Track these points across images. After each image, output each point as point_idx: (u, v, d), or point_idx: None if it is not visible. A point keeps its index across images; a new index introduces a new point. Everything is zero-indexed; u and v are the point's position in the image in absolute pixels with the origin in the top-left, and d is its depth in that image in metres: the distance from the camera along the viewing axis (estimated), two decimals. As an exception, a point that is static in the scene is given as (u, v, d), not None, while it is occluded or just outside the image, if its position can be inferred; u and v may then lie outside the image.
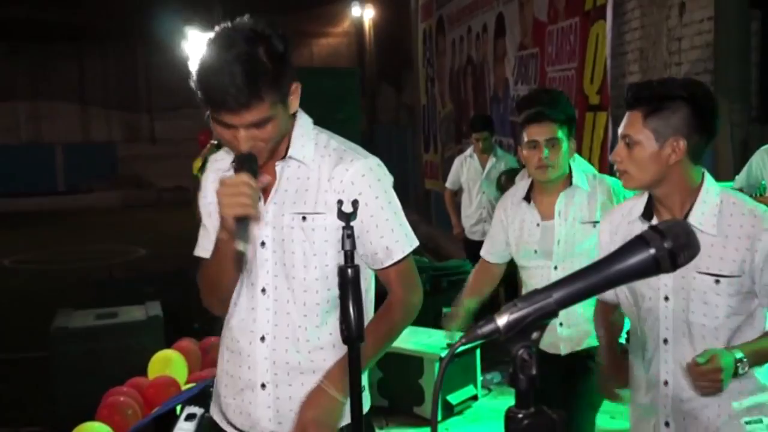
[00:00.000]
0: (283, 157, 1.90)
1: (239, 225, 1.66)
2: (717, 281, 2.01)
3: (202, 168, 4.93)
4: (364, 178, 1.86)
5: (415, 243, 1.94)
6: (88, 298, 6.31)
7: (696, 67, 6.84)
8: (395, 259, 1.89)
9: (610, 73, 7.83)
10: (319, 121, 4.53)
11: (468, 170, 6.86)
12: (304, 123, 1.95)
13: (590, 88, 8.17)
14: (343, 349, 1.66)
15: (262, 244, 1.89)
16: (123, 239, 13.12)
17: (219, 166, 2.01)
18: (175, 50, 13.35)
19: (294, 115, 1.92)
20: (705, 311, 2.03)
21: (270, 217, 1.89)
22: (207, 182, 2.02)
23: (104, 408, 4.27)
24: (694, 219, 2.03)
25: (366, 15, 19.06)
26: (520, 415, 0.96)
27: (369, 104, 18.38)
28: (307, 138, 1.93)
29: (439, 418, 4.45)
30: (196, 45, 12.27)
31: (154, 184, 19.96)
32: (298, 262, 1.87)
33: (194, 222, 5.55)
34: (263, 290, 1.89)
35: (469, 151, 7.00)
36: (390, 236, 1.89)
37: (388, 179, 1.92)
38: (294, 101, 1.87)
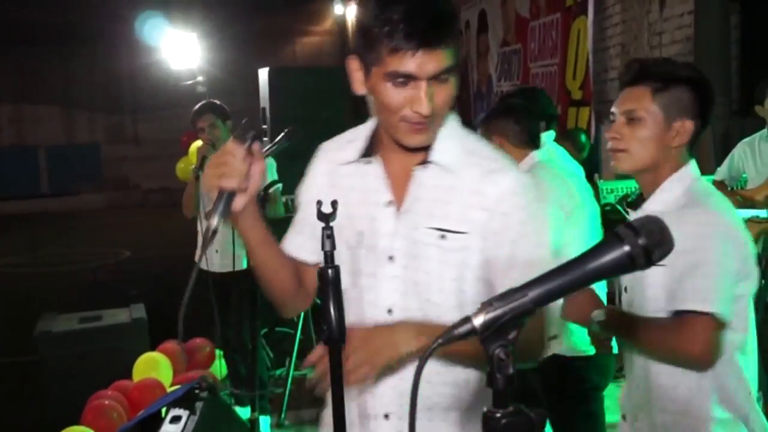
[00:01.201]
0: (423, 162, 1.60)
1: (220, 198, 1.49)
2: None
3: (201, 167, 4.89)
4: (516, 198, 1.56)
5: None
6: (72, 301, 6.27)
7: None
8: None
9: (592, 68, 7.86)
10: (303, 120, 4.51)
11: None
12: (452, 121, 1.64)
13: (573, 83, 8.20)
14: (481, 388, 1.50)
15: (390, 258, 1.62)
16: (107, 241, 13.04)
17: (333, 156, 1.73)
18: (158, 52, 13.28)
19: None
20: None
21: (402, 228, 1.61)
22: (315, 174, 1.76)
23: (89, 412, 4.25)
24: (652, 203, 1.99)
25: (349, 13, 19.03)
26: (498, 415, 0.96)
27: (352, 103, 18.36)
28: (455, 139, 1.62)
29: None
30: (177, 46, 12.23)
31: (138, 186, 19.89)
32: (434, 283, 1.59)
33: (181, 223, 5.47)
34: (389, 311, 1.62)
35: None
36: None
37: (538, 199, 1.63)
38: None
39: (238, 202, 1.53)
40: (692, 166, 2.03)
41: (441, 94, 1.50)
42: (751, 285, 1.97)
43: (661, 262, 1.89)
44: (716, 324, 1.84)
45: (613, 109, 2.07)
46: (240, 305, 4.57)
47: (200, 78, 11.75)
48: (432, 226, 1.58)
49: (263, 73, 6.26)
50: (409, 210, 1.61)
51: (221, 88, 12.07)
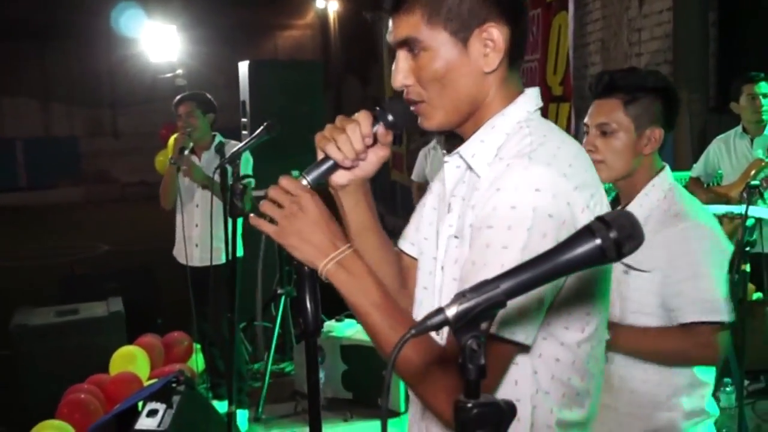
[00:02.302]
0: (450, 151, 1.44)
1: (320, 163, 1.41)
2: (626, 272, 2.05)
3: (182, 155, 4.86)
4: (496, 212, 1.26)
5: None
6: (49, 295, 6.23)
7: (656, 58, 6.92)
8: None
9: (572, 63, 7.89)
10: (283, 114, 4.50)
11: (432, 162, 6.87)
12: (513, 112, 1.37)
13: (553, 79, 8.23)
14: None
15: (442, 268, 1.42)
16: (85, 235, 12.97)
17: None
18: (137, 44, 13.19)
19: (502, 92, 1.39)
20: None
21: (433, 227, 1.48)
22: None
23: (65, 405, 4.23)
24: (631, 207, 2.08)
25: (330, 7, 19.00)
26: (470, 405, 0.96)
27: (335, 97, 18.33)
28: (499, 134, 1.36)
29: (402, 409, 4.47)
30: (157, 39, 12.18)
31: (117, 180, 19.77)
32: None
33: (160, 216, 5.44)
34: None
35: (432, 143, 7.00)
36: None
37: (533, 211, 1.24)
38: (493, 56, 1.35)
39: (341, 177, 1.46)
40: (667, 172, 2.16)
41: (420, 68, 1.36)
42: None
43: (646, 269, 1.99)
44: (723, 329, 2.03)
45: (586, 121, 2.17)
46: (218, 299, 4.56)
47: (179, 71, 11.70)
48: (450, 234, 1.40)
49: (243, 67, 6.23)
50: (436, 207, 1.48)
51: (201, 82, 12.01)
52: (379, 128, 1.41)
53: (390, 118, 1.42)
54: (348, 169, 1.44)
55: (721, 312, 2.00)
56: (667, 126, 2.11)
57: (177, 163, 4.70)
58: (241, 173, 4.05)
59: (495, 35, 1.34)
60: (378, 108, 1.43)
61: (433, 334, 1.17)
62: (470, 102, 1.38)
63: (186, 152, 4.74)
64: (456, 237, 1.37)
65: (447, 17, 1.34)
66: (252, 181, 4.61)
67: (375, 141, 1.43)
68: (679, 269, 1.99)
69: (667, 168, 2.16)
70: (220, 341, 4.81)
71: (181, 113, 4.77)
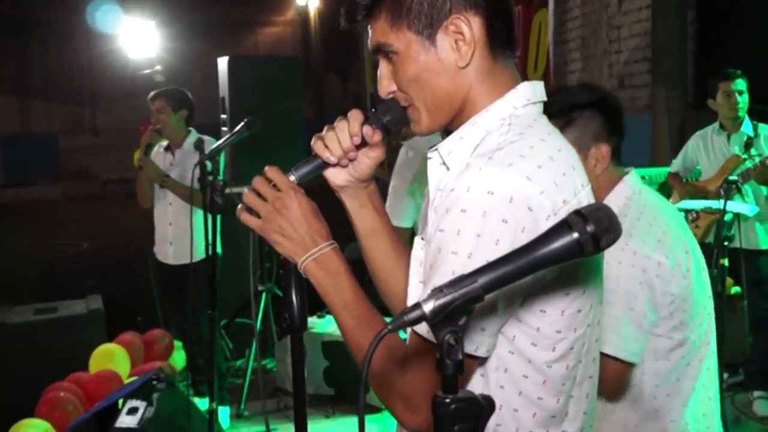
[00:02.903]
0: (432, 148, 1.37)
1: (309, 161, 1.42)
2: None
3: (148, 152, 4.84)
4: (448, 215, 1.20)
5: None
6: (28, 293, 6.18)
7: (635, 55, 6.96)
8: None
9: (552, 60, 7.93)
10: (263, 110, 4.48)
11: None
12: (497, 108, 1.31)
13: (534, 75, 8.26)
14: None
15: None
16: (65, 233, 12.86)
17: None
18: (116, 40, 13.09)
19: (486, 89, 1.32)
20: None
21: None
22: None
23: (44, 404, 4.19)
24: None
25: (311, 4, 18.95)
26: (447, 400, 0.97)
27: (315, 93, 18.29)
28: (479, 131, 1.30)
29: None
30: (135, 35, 12.10)
31: (97, 177, 19.60)
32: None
33: (140, 214, 5.42)
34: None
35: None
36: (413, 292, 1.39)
37: (483, 216, 1.17)
38: (465, 50, 1.29)
39: (336, 178, 1.46)
40: (627, 181, 2.05)
41: (396, 72, 1.34)
42: (681, 321, 1.98)
43: None
44: (624, 367, 1.91)
45: None
46: (196, 296, 4.55)
47: (158, 67, 11.62)
48: (422, 234, 1.39)
49: (222, 62, 6.20)
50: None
51: (180, 78, 11.95)
52: (366, 128, 1.39)
53: (384, 120, 1.41)
54: (336, 167, 1.43)
55: (621, 350, 1.88)
56: (613, 135, 2.02)
57: (140, 163, 4.69)
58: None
59: (463, 27, 1.28)
60: (374, 109, 1.42)
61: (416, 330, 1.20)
62: (450, 100, 1.32)
63: (154, 149, 4.73)
64: (422, 238, 1.34)
65: (409, 17, 1.30)
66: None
67: (364, 142, 1.41)
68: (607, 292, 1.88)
69: (629, 176, 2.05)
70: (199, 339, 4.79)
71: (153, 109, 4.75)
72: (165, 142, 4.88)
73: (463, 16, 1.29)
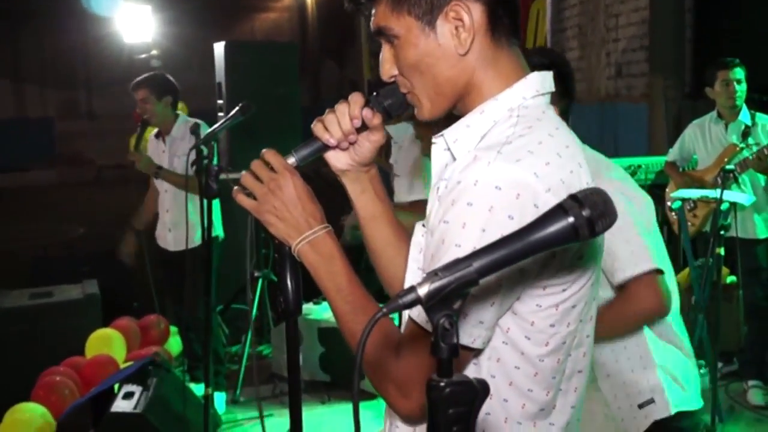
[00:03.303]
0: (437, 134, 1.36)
1: (308, 143, 1.43)
2: None
3: (137, 146, 4.86)
4: (453, 207, 1.18)
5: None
6: (22, 278, 6.17)
7: (632, 43, 6.95)
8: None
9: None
10: (258, 97, 4.49)
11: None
12: (506, 97, 1.29)
13: (531, 63, 8.25)
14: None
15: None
16: (60, 218, 12.83)
17: None
18: (112, 24, 13.02)
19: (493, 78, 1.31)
20: None
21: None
22: None
23: (40, 388, 4.20)
24: None
25: (309, -11, 18.85)
26: (442, 384, 0.96)
27: (312, 80, 18.23)
28: (487, 120, 1.28)
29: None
30: (131, 19, 12.02)
31: (93, 162, 19.54)
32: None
33: (136, 199, 5.39)
34: None
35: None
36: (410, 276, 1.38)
37: (489, 211, 1.16)
38: (465, 37, 1.28)
39: (338, 161, 1.46)
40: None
41: (397, 56, 1.33)
42: None
43: None
44: (658, 276, 2.06)
45: None
46: (194, 282, 4.55)
47: (155, 52, 11.55)
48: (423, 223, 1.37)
49: (219, 47, 6.18)
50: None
51: (177, 63, 11.88)
52: (366, 111, 1.39)
53: (386, 103, 1.40)
54: (337, 150, 1.43)
55: (647, 260, 2.04)
56: (563, 98, 2.13)
57: (131, 157, 4.71)
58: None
59: (462, 14, 1.27)
60: (375, 93, 1.42)
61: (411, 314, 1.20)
62: (452, 86, 1.31)
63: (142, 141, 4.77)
64: (423, 225, 1.33)
65: (410, 2, 1.29)
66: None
67: (365, 125, 1.41)
68: None
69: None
70: (195, 324, 4.80)
71: (137, 99, 4.73)
72: (155, 130, 4.87)
73: (463, 2, 1.28)
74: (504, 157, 1.18)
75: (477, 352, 1.25)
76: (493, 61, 1.31)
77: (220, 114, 6.04)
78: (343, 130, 1.40)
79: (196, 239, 4.36)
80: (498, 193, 1.15)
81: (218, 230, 4.75)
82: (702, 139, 4.82)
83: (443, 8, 1.28)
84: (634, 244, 2.03)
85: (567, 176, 1.21)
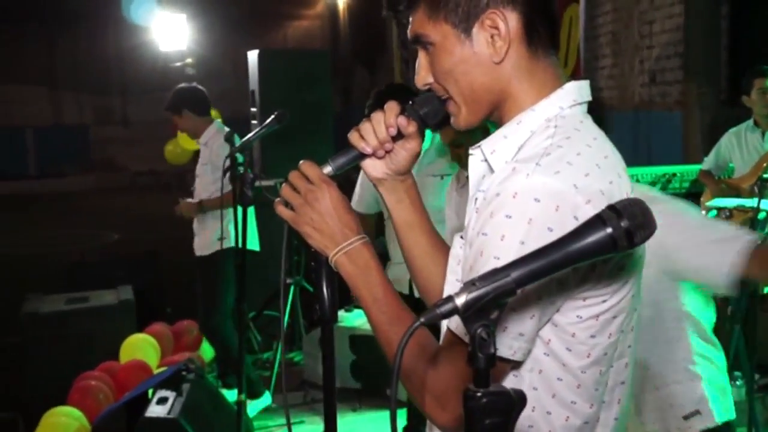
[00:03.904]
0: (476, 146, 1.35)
1: (345, 152, 1.44)
2: None
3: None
4: (492, 219, 1.18)
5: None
6: (59, 282, 6.25)
7: (666, 50, 6.89)
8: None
9: (583, 55, 7.87)
10: (290, 104, 4.52)
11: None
12: (543, 108, 1.28)
13: (564, 71, 8.18)
14: None
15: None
16: (95, 223, 13.00)
17: None
18: (147, 32, 13.19)
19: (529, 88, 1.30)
20: None
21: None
22: None
23: (75, 392, 4.25)
24: None
25: (340, -3, 18.95)
26: (479, 394, 0.97)
27: (343, 86, 18.31)
28: (524, 131, 1.28)
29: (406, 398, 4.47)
30: (166, 27, 12.18)
31: (127, 168, 19.79)
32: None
33: (170, 205, 5.49)
34: None
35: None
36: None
37: (528, 223, 1.15)
38: (500, 45, 1.28)
39: (374, 170, 1.46)
40: None
41: (432, 63, 1.34)
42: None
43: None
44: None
45: None
46: (215, 287, 4.64)
47: (189, 60, 11.68)
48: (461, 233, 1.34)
49: (252, 56, 6.23)
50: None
51: (211, 71, 12.03)
52: (401, 119, 1.39)
53: (421, 111, 1.40)
54: (372, 157, 1.43)
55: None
56: None
57: (179, 211, 4.88)
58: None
59: (498, 23, 1.27)
60: (411, 101, 1.42)
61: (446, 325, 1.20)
62: (488, 93, 1.31)
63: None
64: (462, 237, 1.33)
65: (446, 9, 1.29)
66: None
67: (400, 134, 1.41)
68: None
69: None
70: (208, 330, 4.92)
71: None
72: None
73: (499, 11, 1.27)
74: (543, 169, 1.17)
75: (516, 364, 1.24)
76: (529, 71, 1.30)
77: (254, 122, 6.09)
78: (379, 138, 1.40)
79: (213, 245, 4.47)
80: (537, 205, 1.14)
81: (256, 244, 4.84)
82: (738, 148, 4.76)
83: (479, 16, 1.28)
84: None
85: (607, 187, 1.20)
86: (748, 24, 6.07)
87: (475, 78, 1.31)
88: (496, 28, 1.28)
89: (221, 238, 4.21)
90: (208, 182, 4.74)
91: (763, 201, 3.82)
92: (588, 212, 1.10)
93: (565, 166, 1.18)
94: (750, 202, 3.95)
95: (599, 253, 0.97)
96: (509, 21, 1.28)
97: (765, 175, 3.99)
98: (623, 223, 0.95)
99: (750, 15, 6.06)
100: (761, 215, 3.88)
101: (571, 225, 1.06)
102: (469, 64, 1.30)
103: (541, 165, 1.18)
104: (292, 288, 5.17)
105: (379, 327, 1.35)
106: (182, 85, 5.02)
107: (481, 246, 1.18)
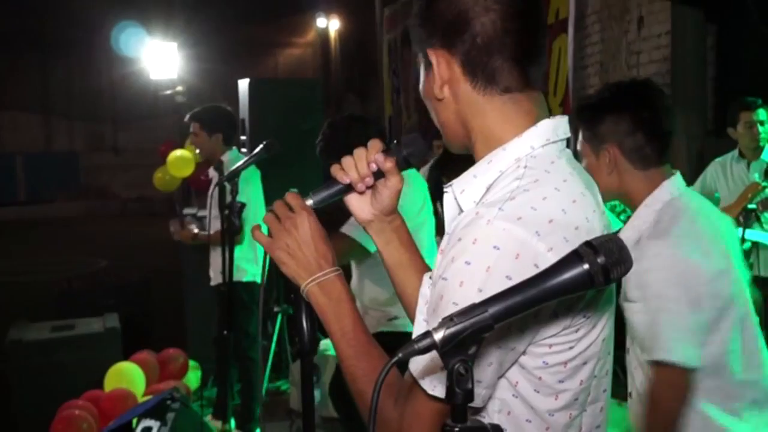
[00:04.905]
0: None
1: (327, 186, 1.45)
2: (624, 302, 2.02)
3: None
4: (453, 265, 1.16)
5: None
6: (46, 310, 6.22)
7: (654, 81, 6.95)
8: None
9: (572, 85, 7.93)
10: (281, 133, 4.51)
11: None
12: (514, 147, 1.25)
13: (553, 100, 8.26)
14: None
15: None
16: (84, 250, 12.96)
17: None
18: (138, 61, 13.25)
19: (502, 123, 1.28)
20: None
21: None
22: None
23: (59, 422, 4.20)
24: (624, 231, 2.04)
25: (332, 26, 19.09)
26: (457, 429, 0.97)
27: (334, 115, 18.40)
28: (493, 171, 1.25)
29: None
30: (157, 56, 12.24)
31: (117, 195, 19.78)
32: None
33: (159, 233, 5.48)
34: None
35: (432, 161, 7.02)
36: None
37: (486, 271, 1.13)
38: (439, 83, 1.29)
39: (361, 211, 1.47)
40: (672, 182, 2.06)
41: (424, 82, 1.35)
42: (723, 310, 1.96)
43: (632, 299, 1.91)
44: (681, 371, 1.90)
45: None
46: (240, 313, 4.62)
47: (179, 88, 11.73)
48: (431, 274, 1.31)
49: (243, 84, 6.25)
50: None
51: (201, 99, 12.03)
52: (378, 156, 1.40)
53: (405, 152, 1.42)
54: (354, 192, 1.44)
55: (670, 351, 1.88)
56: (635, 134, 2.03)
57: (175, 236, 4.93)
58: (243, 191, 3.91)
59: (433, 62, 1.27)
60: (396, 141, 1.44)
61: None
62: (450, 128, 1.32)
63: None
64: (430, 277, 1.30)
65: (415, 39, 1.33)
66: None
67: (381, 172, 1.41)
68: (652, 296, 1.92)
69: (673, 178, 2.06)
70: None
71: (191, 130, 4.84)
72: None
73: (433, 51, 1.28)
74: (505, 215, 1.14)
75: (475, 411, 1.22)
76: (485, 110, 1.27)
77: (244, 150, 6.09)
78: (360, 173, 1.41)
79: (244, 278, 4.59)
80: (496, 253, 1.12)
81: (257, 276, 4.80)
82: (724, 178, 4.80)
83: (425, 51, 1.30)
84: (660, 327, 1.95)
85: (571, 234, 1.16)
86: (734, 55, 6.15)
87: (437, 111, 1.33)
88: (435, 67, 1.28)
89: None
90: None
91: (747, 231, 3.85)
92: (550, 260, 1.06)
93: (529, 211, 1.15)
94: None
95: (576, 289, 0.97)
96: (443, 62, 1.27)
97: (750, 206, 4.02)
98: (600, 260, 0.96)
99: (736, 46, 6.13)
100: (746, 245, 3.90)
101: (530, 273, 1.03)
102: (430, 94, 1.32)
103: (504, 210, 1.15)
104: (279, 316, 5.15)
105: (346, 361, 1.34)
106: (223, 106, 5.01)
107: (441, 290, 1.17)
